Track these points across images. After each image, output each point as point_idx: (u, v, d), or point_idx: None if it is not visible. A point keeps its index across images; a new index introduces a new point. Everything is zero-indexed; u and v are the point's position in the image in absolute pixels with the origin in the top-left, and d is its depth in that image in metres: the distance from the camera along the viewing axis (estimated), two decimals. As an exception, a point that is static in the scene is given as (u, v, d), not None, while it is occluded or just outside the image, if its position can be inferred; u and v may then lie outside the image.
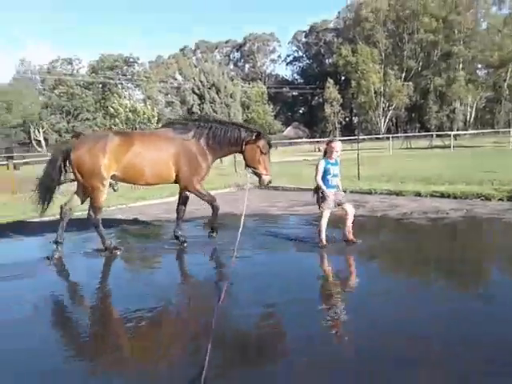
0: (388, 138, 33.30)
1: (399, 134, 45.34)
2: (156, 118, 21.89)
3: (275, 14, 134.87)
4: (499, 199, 9.03)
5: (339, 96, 65.60)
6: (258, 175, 6.28)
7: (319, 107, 70.62)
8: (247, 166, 6.34)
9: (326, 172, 5.84)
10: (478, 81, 64.29)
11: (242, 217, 5.96)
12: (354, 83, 62.36)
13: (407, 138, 40.68)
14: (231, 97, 34.16)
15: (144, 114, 21.54)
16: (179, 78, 78.39)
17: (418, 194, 10.05)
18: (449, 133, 38.41)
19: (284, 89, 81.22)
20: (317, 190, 5.92)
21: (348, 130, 65.48)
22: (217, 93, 33.32)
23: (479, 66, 66.04)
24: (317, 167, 5.88)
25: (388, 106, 64.28)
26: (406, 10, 62.23)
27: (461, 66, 62.05)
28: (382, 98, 63.31)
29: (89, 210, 6.29)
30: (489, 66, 63.66)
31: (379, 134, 51.97)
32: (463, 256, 5.62)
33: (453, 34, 61.38)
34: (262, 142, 6.16)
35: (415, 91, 63.39)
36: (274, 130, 59.63)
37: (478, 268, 5.30)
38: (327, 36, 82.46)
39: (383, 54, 63.70)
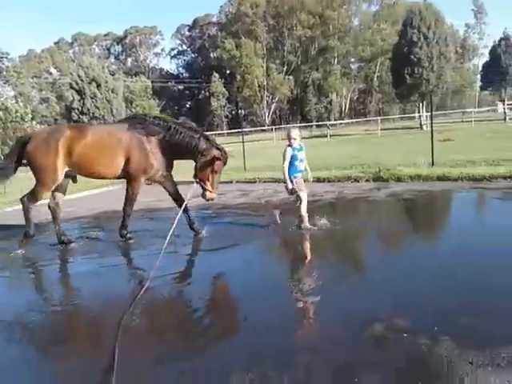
0: (272, 130, 34.84)
1: (282, 126, 47.54)
2: (30, 116, 20.24)
3: (161, 14, 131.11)
4: (366, 180, 10.18)
5: (225, 90, 66.55)
6: (204, 189, 6.11)
7: (206, 101, 70.83)
8: (195, 176, 6.12)
9: (293, 158, 6.09)
10: (352, 74, 69.96)
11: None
12: (238, 77, 63.72)
13: (290, 129, 42.67)
14: (113, 92, 32.88)
15: (16, 112, 19.78)
16: (54, 72, 72.84)
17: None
18: (326, 123, 41.32)
19: (169, 83, 79.89)
20: (291, 179, 6.11)
21: (235, 122, 66.75)
22: (97, 88, 31.83)
23: (352, 60, 71.68)
24: (284, 155, 6.10)
25: (271, 99, 66.87)
26: (285, 6, 64.89)
27: (336, 60, 66.75)
28: (266, 92, 65.68)
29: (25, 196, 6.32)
30: (361, 60, 69.58)
31: (264, 126, 53.93)
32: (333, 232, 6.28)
33: (328, 30, 65.57)
34: (218, 162, 5.99)
35: (296, 85, 66.80)
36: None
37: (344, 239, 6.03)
38: (211, 30, 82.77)
39: (265, 49, 65.94)
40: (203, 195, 6.14)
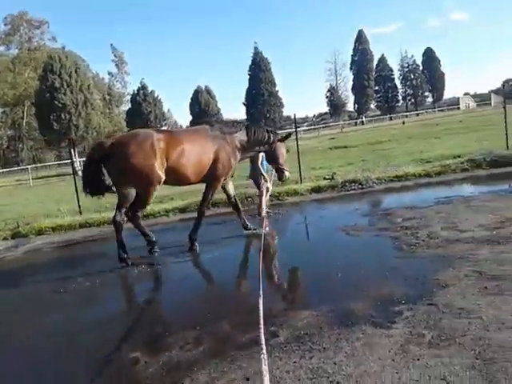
0: None
1: None
2: None
3: None
4: (3, 238, 9.25)
5: None
6: (283, 171, 7.30)
7: None
8: (276, 163, 7.26)
9: (263, 159, 7.77)
10: (-2, 120, 63.33)
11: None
12: None
13: None
14: None
15: None
16: None
17: None
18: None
19: None
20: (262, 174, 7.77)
21: None
22: None
23: (-2, 105, 64.87)
24: (258, 157, 7.65)
25: None
26: None
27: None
28: None
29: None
30: (5, 105, 63.77)
31: None
32: None
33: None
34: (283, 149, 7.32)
35: None
36: None
37: None
38: None
39: None
40: (283, 177, 7.38)
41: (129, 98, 62.39)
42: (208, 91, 68.13)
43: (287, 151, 7.64)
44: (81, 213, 10.71)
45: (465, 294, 3.83)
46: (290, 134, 7.76)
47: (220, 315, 4.10)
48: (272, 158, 7.31)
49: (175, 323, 4.17)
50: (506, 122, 11.94)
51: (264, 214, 7.71)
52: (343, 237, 6.28)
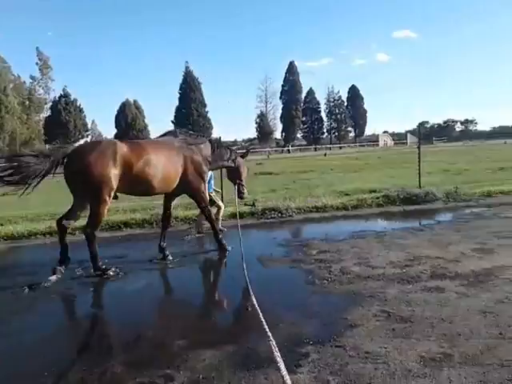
0: None
1: None
2: None
3: None
4: None
5: None
6: (242, 189, 7.57)
7: None
8: (236, 180, 7.56)
9: (210, 178, 7.79)
10: None
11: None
12: None
13: None
14: None
15: None
16: None
17: None
18: None
19: None
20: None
21: None
22: None
23: None
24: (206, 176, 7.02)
25: None
26: None
27: None
28: None
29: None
30: None
31: None
32: None
33: None
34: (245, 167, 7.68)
35: None
36: None
37: None
38: None
39: None
40: (242, 194, 7.58)
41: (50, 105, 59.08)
42: (136, 105, 66.48)
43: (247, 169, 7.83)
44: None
45: (372, 335, 3.72)
46: (249, 151, 8.04)
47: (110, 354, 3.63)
48: (235, 175, 7.48)
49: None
50: (419, 162, 12.64)
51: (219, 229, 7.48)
52: (257, 268, 6.05)
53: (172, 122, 65.54)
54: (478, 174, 16.54)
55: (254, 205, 10.40)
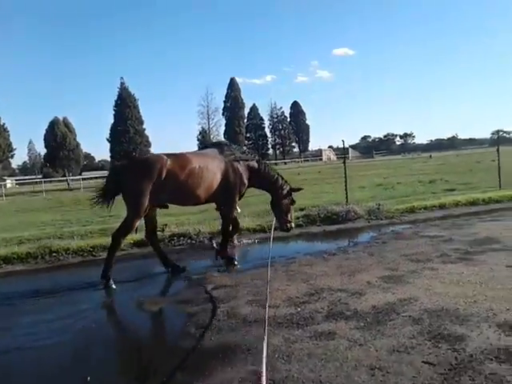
0: None
1: None
2: None
3: None
4: None
5: None
6: (287, 221, 7.36)
7: None
8: (280, 210, 7.33)
9: None
10: None
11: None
12: None
13: None
14: None
15: None
16: None
17: None
18: None
19: None
20: None
21: None
22: None
23: None
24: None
25: None
26: None
27: None
28: None
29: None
30: None
31: None
32: None
33: None
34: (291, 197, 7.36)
35: None
36: None
37: None
38: None
39: None
40: (286, 227, 7.37)
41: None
42: (66, 124, 63.08)
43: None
44: None
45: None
46: (300, 188, 7.66)
47: None
48: (283, 207, 7.26)
49: None
50: (345, 178, 12.20)
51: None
52: (133, 311, 5.08)
53: (107, 139, 62.73)
54: (409, 188, 16.45)
55: (163, 230, 9.38)
